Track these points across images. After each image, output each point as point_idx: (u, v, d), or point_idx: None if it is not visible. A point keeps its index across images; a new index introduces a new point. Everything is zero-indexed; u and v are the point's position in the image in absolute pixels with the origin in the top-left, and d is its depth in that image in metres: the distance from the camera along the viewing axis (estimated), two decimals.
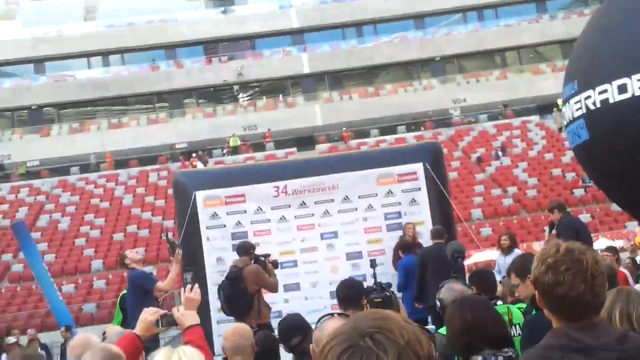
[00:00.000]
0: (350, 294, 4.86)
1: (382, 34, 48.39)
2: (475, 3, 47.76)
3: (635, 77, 9.57)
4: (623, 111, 9.63)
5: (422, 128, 42.11)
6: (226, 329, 4.78)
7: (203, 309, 11.03)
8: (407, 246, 10.69)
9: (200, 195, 11.09)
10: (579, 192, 30.97)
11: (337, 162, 12.05)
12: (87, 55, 46.29)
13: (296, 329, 4.74)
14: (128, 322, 8.32)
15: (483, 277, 5.78)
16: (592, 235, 24.80)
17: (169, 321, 3.81)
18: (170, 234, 9.87)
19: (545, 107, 41.43)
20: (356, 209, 11.36)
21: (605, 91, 9.87)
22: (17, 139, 43.56)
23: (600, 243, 22.11)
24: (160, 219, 31.44)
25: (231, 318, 9.00)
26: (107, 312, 22.85)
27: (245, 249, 9.20)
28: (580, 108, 10.36)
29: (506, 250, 10.83)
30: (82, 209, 33.95)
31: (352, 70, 47.39)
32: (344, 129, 41.65)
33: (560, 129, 37.32)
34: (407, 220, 11.20)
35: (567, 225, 10.16)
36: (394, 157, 11.73)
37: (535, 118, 41.65)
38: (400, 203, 11.39)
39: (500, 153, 36.00)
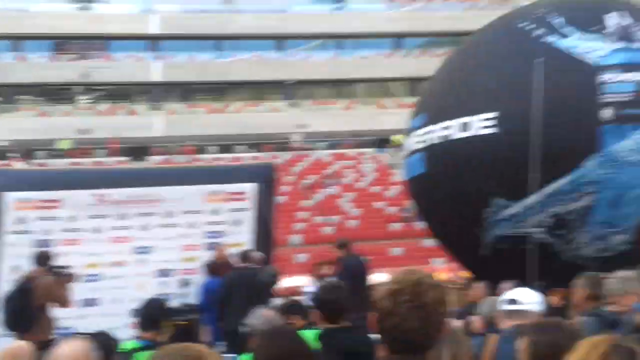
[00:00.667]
0: (152, 314, 4.48)
1: (243, 50, 47.76)
2: (336, 31, 48.13)
3: (477, 117, 9.90)
4: (460, 148, 9.91)
5: (260, 150, 42.01)
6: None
7: None
8: (211, 267, 10.46)
9: (10, 197, 10.23)
10: (394, 226, 31.69)
11: (166, 175, 11.57)
12: None
13: None
14: None
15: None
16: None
17: None
18: None
19: (384, 141, 42.56)
20: (176, 225, 10.91)
21: (448, 127, 10.14)
22: None
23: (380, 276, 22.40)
24: None
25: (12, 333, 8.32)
26: None
27: (41, 258, 8.55)
28: (422, 141, 10.58)
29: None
30: None
31: (205, 84, 46.62)
32: (187, 142, 40.75)
33: (392, 165, 38.45)
34: (229, 241, 10.89)
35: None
36: (226, 175, 11.43)
37: (371, 150, 42.63)
38: (224, 222, 11.07)
39: (330, 181, 36.49)
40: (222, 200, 11.09)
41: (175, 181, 11.07)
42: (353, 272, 10.52)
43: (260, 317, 4.65)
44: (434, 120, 11.31)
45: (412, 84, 48.21)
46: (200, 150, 41.13)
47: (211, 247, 10.90)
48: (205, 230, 10.97)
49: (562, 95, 9.74)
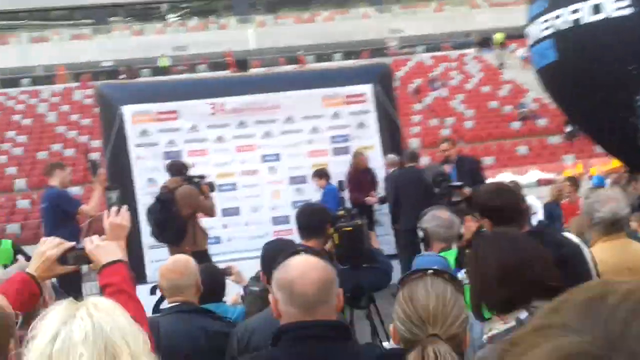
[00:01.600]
0: (313, 221, 4.08)
1: None
2: None
3: None
4: (594, 32, 9.02)
5: (358, 57, 41.16)
6: (162, 266, 3.82)
7: (133, 235, 10.16)
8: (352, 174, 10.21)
9: (127, 110, 10.03)
10: (515, 125, 30.93)
11: (278, 81, 11.11)
12: None
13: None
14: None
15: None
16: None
17: (77, 257, 2.73)
18: (92, 155, 8.85)
19: (485, 40, 41.15)
20: (300, 131, 10.52)
21: (577, 10, 9.23)
22: None
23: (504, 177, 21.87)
24: (86, 138, 29.80)
25: (164, 244, 8.14)
26: (32, 233, 21.57)
27: (176, 168, 8.16)
28: (550, 27, 9.71)
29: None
30: (2, 125, 31.99)
31: None
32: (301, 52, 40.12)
33: (501, 65, 37.06)
34: (356, 145, 10.46)
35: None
36: (340, 77, 10.88)
37: (471, 51, 41.21)
38: (348, 126, 10.61)
39: (437, 84, 35.51)
40: (341, 103, 10.62)
41: (290, 85, 10.63)
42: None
43: (437, 217, 4.20)
44: (559, 4, 10.29)
45: None
46: (295, 61, 40.60)
47: (338, 151, 10.52)
48: (330, 135, 10.57)
49: None
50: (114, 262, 2.61)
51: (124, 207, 3.12)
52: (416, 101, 34.31)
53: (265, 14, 45.41)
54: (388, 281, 4.22)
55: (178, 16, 45.56)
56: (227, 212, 10.06)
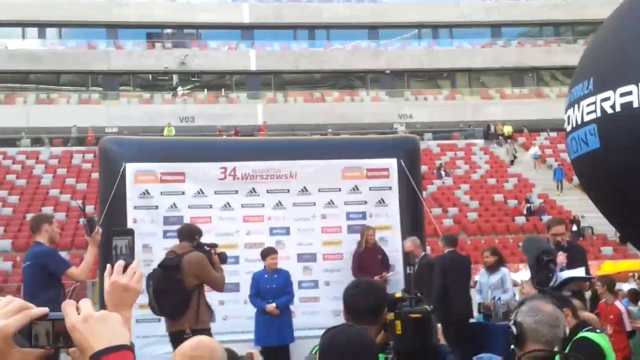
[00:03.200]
0: (368, 302, 3.11)
1: (334, 40, 47.22)
2: (430, 20, 46.89)
3: None
4: None
5: None
6: (178, 350, 2.70)
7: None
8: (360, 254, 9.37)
9: (131, 168, 9.19)
10: (520, 220, 30.21)
11: (296, 147, 10.32)
12: (23, 24, 43.45)
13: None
14: None
15: None
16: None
17: (53, 335, 1.56)
18: (87, 208, 7.90)
19: (490, 133, 40.99)
20: (314, 204, 9.65)
21: (628, 93, 8.46)
22: None
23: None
24: (79, 203, 28.98)
25: (156, 318, 7.13)
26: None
27: (189, 232, 7.20)
28: (594, 112, 8.90)
29: (491, 269, 9.31)
30: None
31: (300, 73, 45.84)
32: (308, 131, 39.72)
33: (512, 161, 36.57)
34: (373, 223, 9.57)
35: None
36: (363, 148, 10.09)
37: (480, 142, 40.89)
38: (366, 202, 9.74)
39: (442, 172, 34.95)
40: (362, 177, 9.80)
41: (310, 154, 9.82)
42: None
43: (538, 311, 3.23)
44: (607, 86, 9.49)
45: (514, 74, 46.64)
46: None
47: (353, 229, 9.63)
48: (346, 211, 9.69)
49: None
50: (116, 348, 1.49)
51: (137, 263, 2.19)
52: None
53: (275, 91, 45.31)
54: None
55: (188, 89, 45.48)
56: (226, 288, 9.06)
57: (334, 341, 2.11)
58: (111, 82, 43.88)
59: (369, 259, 9.22)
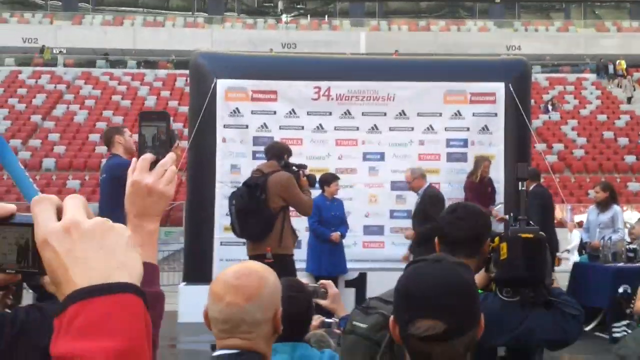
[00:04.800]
0: (470, 228, 2.55)
1: None
2: None
3: None
4: None
5: None
6: (218, 277, 2.04)
7: (205, 224, 9.16)
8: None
9: (222, 84, 8.83)
10: (630, 159, 28.55)
11: (395, 68, 9.68)
12: None
13: None
14: None
15: None
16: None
17: (20, 249, 0.94)
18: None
19: (604, 67, 38.72)
20: (412, 129, 9.05)
21: None
22: (47, 23, 41.32)
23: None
24: (180, 126, 29.29)
25: (241, 240, 6.78)
26: None
27: (277, 150, 6.64)
28: None
29: (602, 205, 8.53)
30: (101, 104, 31.90)
31: (405, 1, 44.46)
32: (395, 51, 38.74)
33: (629, 99, 34.38)
34: (475, 152, 8.90)
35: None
36: (468, 71, 9.36)
37: (592, 76, 38.71)
38: (468, 129, 9.06)
39: (550, 107, 33.24)
40: (465, 101, 9.11)
41: (410, 75, 9.18)
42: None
43: None
44: None
45: (634, 6, 43.75)
46: None
47: (453, 157, 9.02)
48: (446, 138, 9.06)
49: None
50: (110, 288, 0.83)
51: (171, 157, 1.63)
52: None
53: (379, 19, 44.18)
54: (577, 334, 2.61)
55: (292, 15, 44.92)
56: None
57: (419, 281, 1.57)
58: (217, 6, 43.81)
59: (479, 191, 8.56)
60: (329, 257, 8.08)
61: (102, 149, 27.40)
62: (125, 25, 41.86)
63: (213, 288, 1.94)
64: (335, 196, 8.22)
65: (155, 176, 1.60)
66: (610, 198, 8.56)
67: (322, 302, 2.92)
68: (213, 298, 1.93)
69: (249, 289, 1.90)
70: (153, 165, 1.61)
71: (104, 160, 24.65)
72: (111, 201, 6.19)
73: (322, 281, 3.00)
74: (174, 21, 42.82)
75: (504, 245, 2.44)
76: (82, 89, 33.73)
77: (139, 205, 1.62)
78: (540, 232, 2.52)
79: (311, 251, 8.18)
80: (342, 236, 8.22)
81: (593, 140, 30.42)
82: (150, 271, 1.54)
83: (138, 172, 1.61)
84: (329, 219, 8.14)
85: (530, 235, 2.45)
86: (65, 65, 37.36)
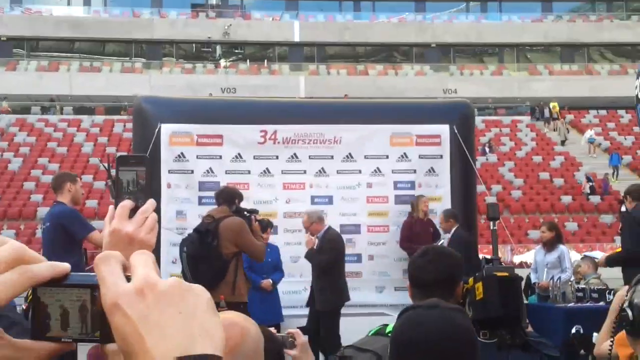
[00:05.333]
0: (442, 270, 2.46)
1: (380, 12, 46.24)
2: None
3: None
4: None
5: None
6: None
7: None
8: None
9: (166, 129, 8.66)
10: (566, 199, 29.22)
11: (341, 111, 9.68)
12: None
13: None
14: None
15: None
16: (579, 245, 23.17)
17: (79, 312, 0.79)
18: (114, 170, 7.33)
19: (537, 109, 39.80)
20: (360, 172, 9.02)
21: None
22: None
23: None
24: (105, 164, 28.77)
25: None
26: None
27: (228, 195, 6.56)
28: None
29: (548, 246, 8.60)
30: (36, 151, 31.21)
31: (344, 46, 45.04)
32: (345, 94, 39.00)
33: (563, 142, 35.27)
34: (422, 193, 8.91)
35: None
36: (412, 113, 9.39)
37: (526, 119, 39.70)
38: (415, 171, 9.08)
39: (487, 149, 33.91)
40: (411, 143, 9.13)
41: (356, 118, 9.18)
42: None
43: None
44: None
45: (564, 49, 45.27)
46: None
47: (401, 200, 8.99)
48: (394, 180, 9.04)
49: None
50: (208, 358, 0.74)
51: (151, 204, 1.50)
52: None
53: (318, 64, 44.63)
54: None
55: (231, 60, 45.04)
56: None
57: (417, 329, 1.46)
58: (154, 51, 43.64)
59: (420, 230, 8.55)
60: (259, 305, 7.85)
61: (37, 197, 26.73)
62: (61, 70, 41.27)
63: None
64: (270, 242, 8.00)
65: (135, 224, 1.49)
66: (557, 238, 8.65)
67: (290, 352, 2.79)
68: None
69: (230, 341, 1.75)
70: (132, 212, 1.50)
71: (40, 209, 24.19)
72: (54, 249, 5.97)
73: (289, 330, 2.87)
74: (110, 66, 42.42)
75: (479, 285, 2.38)
76: (16, 136, 32.98)
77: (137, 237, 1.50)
78: (515, 272, 2.47)
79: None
80: (275, 283, 8.03)
81: (530, 181, 31.05)
82: None
83: (117, 221, 1.49)
84: (262, 266, 7.89)
85: (506, 274, 2.40)
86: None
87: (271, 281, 7.97)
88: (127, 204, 1.49)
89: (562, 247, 8.62)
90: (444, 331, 1.46)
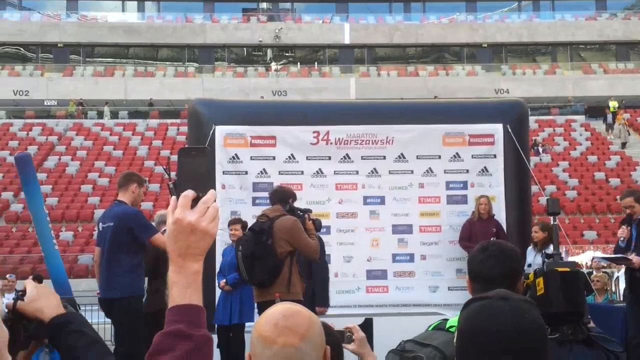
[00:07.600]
0: (502, 267, 2.48)
1: (430, 12, 46.06)
2: None
3: None
4: None
5: None
6: (262, 317, 1.81)
7: (207, 271, 8.82)
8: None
9: (220, 131, 8.79)
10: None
11: (394, 111, 9.67)
12: None
13: None
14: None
15: None
16: None
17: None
18: (173, 173, 7.43)
19: (592, 109, 39.10)
20: (412, 172, 9.02)
21: None
22: (38, 76, 41.47)
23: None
24: (174, 174, 29.15)
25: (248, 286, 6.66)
26: None
27: (282, 195, 6.61)
28: None
29: (539, 246, 8.30)
30: (93, 154, 31.88)
31: (394, 47, 44.94)
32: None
33: (624, 144, 34.45)
34: (475, 194, 8.87)
35: None
36: (466, 113, 9.36)
37: (580, 118, 39.02)
38: (467, 171, 9.04)
39: (540, 149, 33.41)
40: (464, 143, 9.10)
41: (408, 118, 9.18)
42: None
43: None
44: None
45: (619, 47, 44.41)
46: None
47: (453, 200, 8.97)
48: (446, 180, 9.03)
49: None
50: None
51: (212, 194, 1.62)
52: None
53: (369, 65, 44.63)
54: None
55: (282, 63, 45.36)
56: None
57: (488, 320, 1.45)
58: (206, 55, 44.19)
59: (481, 231, 8.49)
60: (227, 306, 7.82)
61: (94, 200, 27.30)
62: (116, 75, 42.08)
63: (261, 333, 1.81)
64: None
65: (197, 213, 1.56)
66: (549, 238, 8.29)
67: (349, 346, 2.84)
68: (263, 343, 1.80)
69: (301, 327, 1.79)
70: (194, 202, 1.57)
71: (96, 211, 24.68)
72: (115, 251, 6.10)
73: (348, 325, 2.92)
74: (164, 71, 43.10)
75: (540, 280, 2.38)
76: (73, 140, 33.74)
77: (181, 244, 1.57)
78: (578, 267, 2.47)
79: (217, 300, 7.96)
80: (229, 283, 7.82)
81: (585, 181, 30.52)
82: (197, 313, 1.48)
83: (180, 210, 1.56)
84: (227, 266, 7.93)
85: (567, 269, 2.39)
86: (56, 117, 37.45)
87: (224, 281, 7.88)
88: (189, 193, 1.57)
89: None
90: (515, 322, 1.46)
